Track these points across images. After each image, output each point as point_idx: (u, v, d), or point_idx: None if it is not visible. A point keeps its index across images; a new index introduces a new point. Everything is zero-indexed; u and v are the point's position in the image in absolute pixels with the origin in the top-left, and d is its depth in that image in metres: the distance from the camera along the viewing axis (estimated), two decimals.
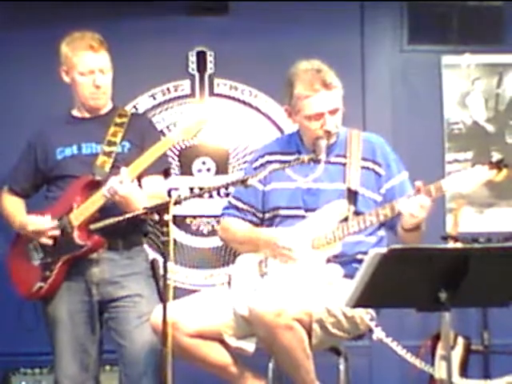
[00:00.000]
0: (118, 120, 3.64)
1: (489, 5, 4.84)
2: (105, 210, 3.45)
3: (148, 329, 3.32)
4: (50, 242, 3.52)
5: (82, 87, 3.60)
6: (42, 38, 4.41)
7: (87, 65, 3.57)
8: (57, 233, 3.51)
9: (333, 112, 3.28)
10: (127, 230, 3.54)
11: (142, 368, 3.48)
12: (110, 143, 3.58)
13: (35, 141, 3.70)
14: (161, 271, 3.25)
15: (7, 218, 3.71)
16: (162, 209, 2.98)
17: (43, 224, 3.52)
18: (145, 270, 3.62)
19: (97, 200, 3.46)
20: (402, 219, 3.18)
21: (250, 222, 3.45)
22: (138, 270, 3.59)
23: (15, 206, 3.71)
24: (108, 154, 3.56)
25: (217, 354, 3.22)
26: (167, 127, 4.71)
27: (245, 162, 4.66)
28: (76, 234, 3.48)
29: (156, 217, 3.02)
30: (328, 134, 3.29)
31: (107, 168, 3.54)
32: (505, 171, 3.08)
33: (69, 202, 3.52)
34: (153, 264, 3.64)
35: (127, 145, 3.61)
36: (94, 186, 3.51)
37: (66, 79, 3.65)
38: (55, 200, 3.59)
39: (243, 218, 3.45)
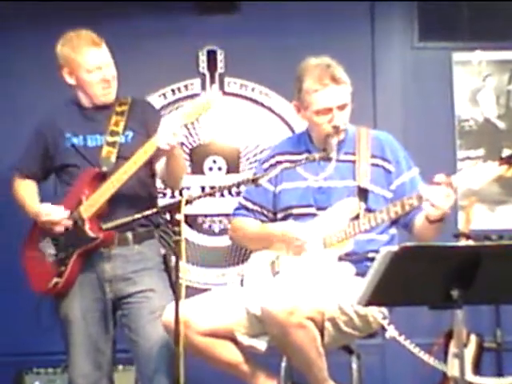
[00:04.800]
0: (118, 109, 3.62)
1: (499, 1, 4.82)
2: (114, 202, 3.46)
3: (160, 325, 3.32)
4: (61, 230, 3.53)
5: (91, 85, 3.57)
6: (48, 36, 4.40)
7: (94, 61, 3.54)
8: (70, 223, 3.51)
9: (341, 107, 3.28)
10: (138, 224, 3.53)
11: (156, 363, 3.47)
12: (113, 133, 3.57)
13: (44, 125, 3.68)
14: (173, 265, 3.25)
15: (22, 206, 3.70)
16: (174, 208, 2.98)
17: (56, 215, 3.52)
18: (157, 265, 3.61)
19: (105, 191, 3.47)
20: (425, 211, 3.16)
21: (261, 222, 3.45)
22: (150, 265, 3.58)
23: (29, 192, 3.69)
24: (112, 145, 3.55)
25: (229, 353, 3.22)
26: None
27: (256, 161, 4.66)
28: (87, 227, 3.49)
29: (168, 216, 3.02)
30: (336, 129, 3.29)
31: (113, 159, 3.53)
32: None
33: (77, 195, 3.52)
34: (165, 258, 3.64)
35: (130, 134, 3.59)
36: (102, 177, 3.51)
37: (70, 81, 3.61)
38: (64, 194, 3.60)
39: (254, 218, 3.46)
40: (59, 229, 3.54)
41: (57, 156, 3.64)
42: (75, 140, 3.60)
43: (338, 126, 3.28)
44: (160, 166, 3.57)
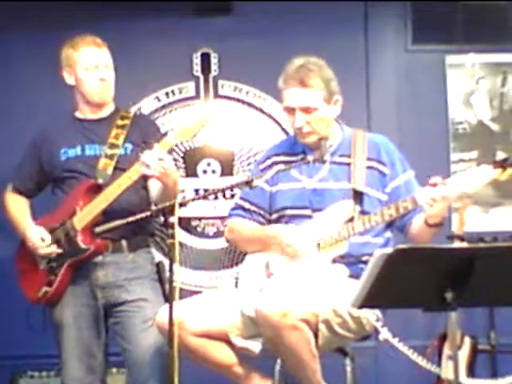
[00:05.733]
0: (119, 122, 3.63)
1: (493, 4, 4.83)
2: (108, 213, 3.45)
3: (153, 333, 3.33)
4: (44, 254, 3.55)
5: (87, 83, 3.59)
6: (45, 39, 4.42)
7: (92, 59, 3.58)
8: (55, 251, 3.52)
9: (305, 110, 3.29)
10: (132, 232, 3.55)
11: (148, 372, 3.48)
12: (113, 146, 3.58)
13: (40, 141, 3.70)
14: (167, 274, 3.24)
15: (11, 223, 3.72)
16: (168, 211, 2.98)
17: (39, 247, 3.54)
18: (150, 273, 3.61)
19: (99, 203, 3.47)
20: (425, 214, 3.16)
21: (258, 222, 3.45)
22: (143, 274, 3.59)
23: (19, 210, 3.71)
24: (110, 157, 3.56)
25: (222, 354, 3.22)
26: (172, 130, 4.70)
27: (250, 164, 4.67)
28: (79, 238, 3.49)
29: (161, 219, 3.02)
30: (299, 130, 3.32)
31: (109, 171, 3.54)
32: (509, 170, 3.06)
33: (72, 205, 3.53)
34: (158, 267, 3.64)
35: (130, 146, 3.60)
36: (97, 189, 3.51)
37: (70, 80, 3.64)
38: (59, 203, 3.61)
39: (251, 219, 3.45)
40: (44, 252, 3.55)
41: (52, 170, 3.64)
42: (71, 153, 3.61)
43: (298, 127, 3.31)
44: (153, 187, 3.58)
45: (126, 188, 3.44)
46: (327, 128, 3.35)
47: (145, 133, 3.63)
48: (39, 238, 3.54)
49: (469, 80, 4.90)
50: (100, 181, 3.52)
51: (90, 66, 3.58)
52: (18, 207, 3.72)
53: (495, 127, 4.91)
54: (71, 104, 3.73)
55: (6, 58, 4.63)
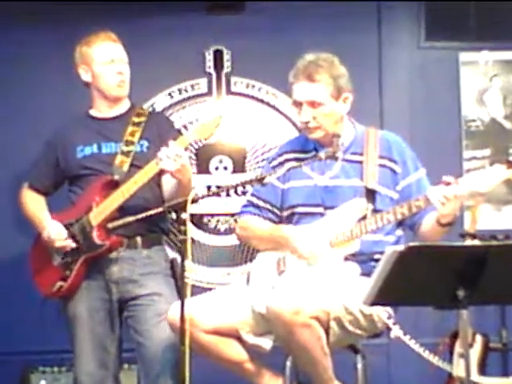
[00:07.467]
0: (135, 119, 3.65)
1: (507, 1, 4.81)
2: (123, 210, 3.47)
3: (166, 327, 3.33)
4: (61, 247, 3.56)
5: (105, 78, 3.61)
6: (60, 38, 4.43)
7: (108, 54, 3.61)
8: (72, 245, 3.54)
9: (312, 104, 3.30)
10: (147, 229, 3.56)
11: (161, 366, 3.49)
12: (128, 143, 3.60)
13: (56, 139, 3.72)
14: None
15: (28, 218, 3.74)
16: (180, 207, 2.98)
17: (56, 239, 3.55)
18: (164, 270, 3.63)
19: (115, 199, 3.48)
20: (438, 213, 3.16)
21: (269, 220, 3.45)
22: (157, 270, 3.60)
23: (36, 206, 3.72)
24: (126, 154, 3.58)
25: (233, 351, 3.23)
26: (184, 126, 4.72)
27: (262, 161, 4.67)
28: (95, 234, 3.51)
29: (173, 215, 3.02)
30: (305, 125, 3.33)
31: (125, 167, 3.56)
32: None
33: (88, 201, 3.55)
34: (172, 264, 3.65)
35: (145, 143, 3.62)
36: (113, 185, 3.53)
37: (86, 77, 3.65)
38: (75, 199, 3.62)
39: (262, 216, 3.45)
40: (60, 244, 3.57)
41: (68, 168, 3.66)
42: (88, 150, 3.63)
43: (304, 121, 3.32)
44: (167, 184, 3.59)
45: (143, 185, 3.46)
46: (335, 124, 3.35)
47: (160, 130, 3.65)
48: (56, 232, 3.55)
49: (482, 77, 4.89)
50: (116, 177, 3.54)
51: (106, 60, 3.60)
52: (35, 203, 3.74)
53: (508, 125, 4.89)
54: (82, 103, 3.74)
55: (16, 59, 4.63)
